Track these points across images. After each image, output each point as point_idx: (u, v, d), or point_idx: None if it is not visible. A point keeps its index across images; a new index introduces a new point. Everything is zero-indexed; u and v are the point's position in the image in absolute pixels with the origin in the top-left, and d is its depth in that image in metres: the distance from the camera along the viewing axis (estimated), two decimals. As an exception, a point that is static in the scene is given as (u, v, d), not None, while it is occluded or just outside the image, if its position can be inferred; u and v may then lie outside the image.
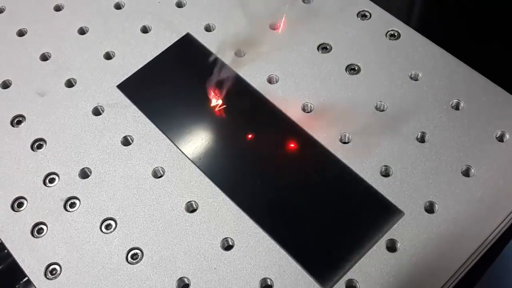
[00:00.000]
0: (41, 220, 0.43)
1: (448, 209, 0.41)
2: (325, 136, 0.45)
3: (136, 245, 0.42)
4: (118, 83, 0.50)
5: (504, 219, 0.40)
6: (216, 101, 0.47)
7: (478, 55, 0.51)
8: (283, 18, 0.51)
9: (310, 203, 0.42)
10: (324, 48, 0.49)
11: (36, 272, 0.41)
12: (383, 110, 0.46)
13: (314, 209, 0.42)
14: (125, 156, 0.46)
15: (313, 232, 0.41)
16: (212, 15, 0.53)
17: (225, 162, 0.45)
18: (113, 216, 0.43)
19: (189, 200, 0.43)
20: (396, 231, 0.40)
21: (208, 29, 0.52)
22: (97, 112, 0.48)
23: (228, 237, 0.41)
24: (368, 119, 0.45)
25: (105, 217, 0.43)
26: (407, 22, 0.50)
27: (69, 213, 0.44)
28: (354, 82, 0.47)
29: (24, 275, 0.42)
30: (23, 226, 0.43)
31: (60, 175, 0.45)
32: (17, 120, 0.49)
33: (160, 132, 0.46)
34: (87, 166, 0.45)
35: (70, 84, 0.50)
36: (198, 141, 0.46)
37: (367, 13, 0.51)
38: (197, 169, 0.44)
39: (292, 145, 0.45)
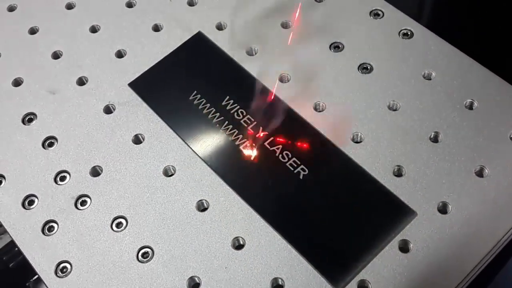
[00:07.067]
0: (51, 218, 0.43)
1: (461, 209, 0.40)
2: (337, 135, 0.44)
3: (147, 244, 0.42)
4: (130, 81, 0.49)
5: (518, 220, 0.40)
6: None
7: (492, 54, 0.51)
8: (296, 14, 0.50)
9: (321, 203, 0.42)
10: (336, 47, 0.49)
11: (46, 270, 0.41)
12: (396, 110, 0.45)
13: (325, 208, 0.42)
14: (136, 155, 0.45)
15: (324, 232, 0.41)
16: (223, 13, 0.52)
17: (236, 161, 0.45)
18: (124, 215, 0.43)
19: (200, 199, 0.43)
20: (408, 231, 0.40)
21: (219, 27, 0.52)
22: (108, 110, 0.48)
23: (239, 236, 0.41)
24: (381, 119, 0.45)
25: (116, 215, 0.43)
26: (420, 20, 0.49)
27: (80, 211, 0.44)
28: (366, 81, 0.47)
29: (34, 273, 0.42)
30: (33, 224, 0.43)
31: (71, 173, 0.45)
32: (28, 118, 0.49)
33: (171, 130, 0.46)
34: (98, 164, 0.45)
35: (81, 82, 0.50)
36: (209, 140, 0.46)
37: (379, 12, 0.50)
38: (208, 168, 0.44)
39: (303, 144, 0.45)
